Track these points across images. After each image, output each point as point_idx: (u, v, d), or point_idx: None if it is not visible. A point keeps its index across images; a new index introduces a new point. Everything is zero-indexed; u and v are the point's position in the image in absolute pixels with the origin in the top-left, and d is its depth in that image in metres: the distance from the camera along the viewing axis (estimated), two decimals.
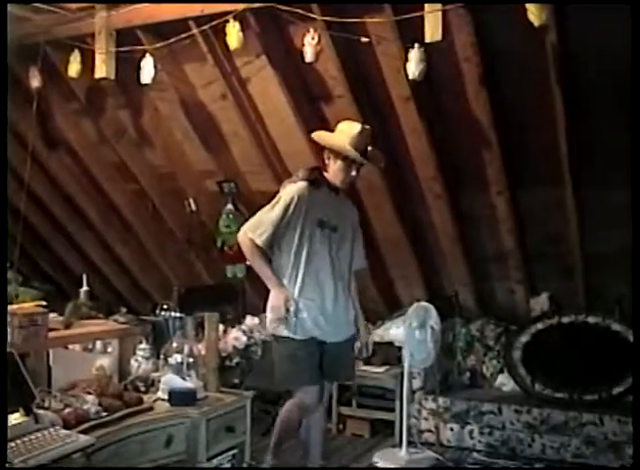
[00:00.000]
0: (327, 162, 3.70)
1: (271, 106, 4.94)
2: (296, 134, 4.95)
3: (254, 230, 3.56)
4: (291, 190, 3.61)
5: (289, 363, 3.60)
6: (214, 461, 3.52)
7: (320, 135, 3.78)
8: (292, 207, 3.54)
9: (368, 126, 3.69)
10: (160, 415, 3.37)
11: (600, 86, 4.11)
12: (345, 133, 3.64)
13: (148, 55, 4.56)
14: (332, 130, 3.85)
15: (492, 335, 5.49)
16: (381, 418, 5.13)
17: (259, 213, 3.63)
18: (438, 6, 3.77)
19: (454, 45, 4.14)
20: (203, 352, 3.99)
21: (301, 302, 3.57)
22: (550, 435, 4.63)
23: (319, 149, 3.91)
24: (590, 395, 4.79)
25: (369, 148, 3.71)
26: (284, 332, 3.57)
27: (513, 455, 4.69)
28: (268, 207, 3.61)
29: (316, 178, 3.67)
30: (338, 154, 3.63)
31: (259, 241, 3.54)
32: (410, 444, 4.72)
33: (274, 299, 3.56)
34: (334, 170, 3.67)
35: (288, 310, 3.51)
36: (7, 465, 2.42)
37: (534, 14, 3.52)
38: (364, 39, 4.13)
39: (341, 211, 3.77)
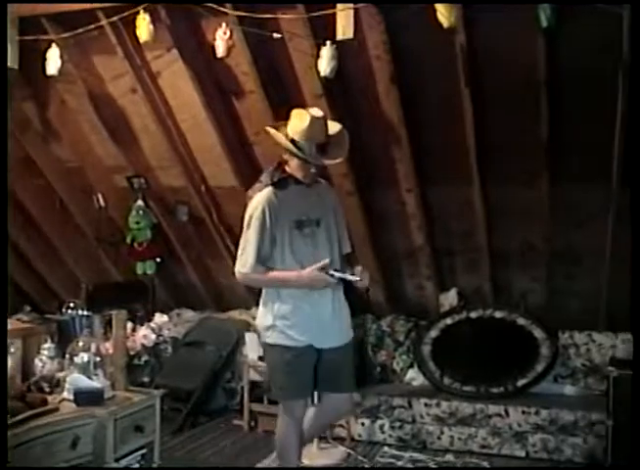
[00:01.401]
0: (285, 157, 3.33)
1: (182, 100, 4.88)
2: (206, 129, 4.91)
3: (244, 264, 3.29)
4: (258, 202, 3.26)
5: (281, 374, 3.38)
6: (123, 462, 3.44)
7: (272, 131, 3.37)
8: (267, 220, 3.22)
9: (320, 114, 3.24)
10: (66, 416, 3.26)
11: (507, 87, 4.22)
12: (294, 128, 3.22)
13: (54, 45, 4.44)
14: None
15: (402, 330, 5.56)
16: None
17: (240, 244, 3.34)
18: (350, 4, 3.80)
19: (365, 43, 4.19)
20: (110, 351, 3.91)
21: (295, 307, 3.32)
22: (458, 427, 4.73)
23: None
24: (496, 387, 4.92)
25: (335, 129, 3.37)
26: (278, 340, 3.34)
27: (423, 448, 4.77)
28: (244, 232, 3.32)
29: (280, 179, 3.30)
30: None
31: (251, 269, 3.27)
32: (322, 439, 4.74)
33: (310, 281, 3.24)
34: (292, 167, 3.31)
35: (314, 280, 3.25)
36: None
37: (444, 15, 3.58)
38: (276, 35, 4.14)
39: (318, 201, 3.43)
